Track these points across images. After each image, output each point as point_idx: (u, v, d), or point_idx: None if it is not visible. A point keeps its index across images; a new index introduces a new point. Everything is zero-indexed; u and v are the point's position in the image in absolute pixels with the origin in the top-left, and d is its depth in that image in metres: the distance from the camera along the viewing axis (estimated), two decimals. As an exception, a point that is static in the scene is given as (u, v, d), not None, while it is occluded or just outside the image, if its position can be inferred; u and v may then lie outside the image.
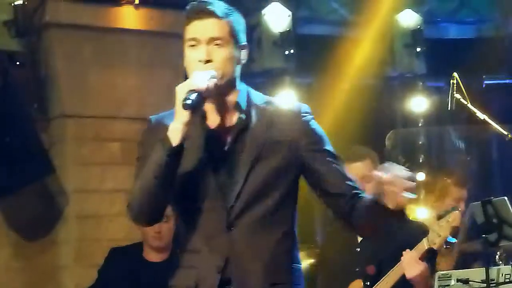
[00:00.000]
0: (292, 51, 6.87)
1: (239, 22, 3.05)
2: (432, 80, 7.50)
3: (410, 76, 7.45)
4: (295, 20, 6.99)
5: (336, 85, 7.19)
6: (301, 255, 5.07)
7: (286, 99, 6.24)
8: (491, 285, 4.42)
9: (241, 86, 3.07)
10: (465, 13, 7.98)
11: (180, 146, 2.88)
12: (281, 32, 6.84)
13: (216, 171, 2.98)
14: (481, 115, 4.87)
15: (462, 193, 5.63)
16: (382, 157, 6.87)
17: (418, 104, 7.48)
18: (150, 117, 3.13)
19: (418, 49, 7.33)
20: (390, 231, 3.64)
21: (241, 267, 2.95)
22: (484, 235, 4.74)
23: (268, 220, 2.98)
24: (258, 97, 3.11)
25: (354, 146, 5.14)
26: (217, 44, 2.96)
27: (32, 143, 6.05)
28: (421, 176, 7.16)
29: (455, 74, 4.87)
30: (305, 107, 3.11)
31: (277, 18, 6.86)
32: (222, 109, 3.02)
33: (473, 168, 7.67)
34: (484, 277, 4.44)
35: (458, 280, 4.54)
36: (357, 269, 4.56)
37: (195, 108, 2.87)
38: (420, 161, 7.54)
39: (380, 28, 7.31)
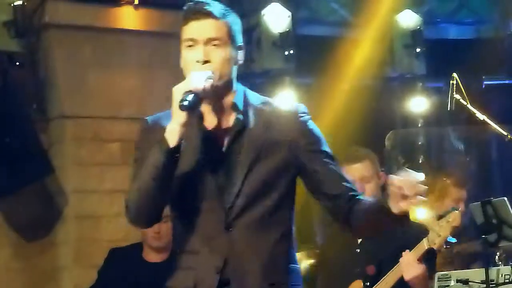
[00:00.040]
0: (291, 51, 6.86)
1: (236, 22, 3.05)
2: (432, 80, 7.49)
3: (409, 77, 7.44)
4: (295, 21, 6.98)
5: (336, 86, 7.19)
6: (301, 255, 5.09)
7: (283, 99, 6.24)
8: (491, 285, 4.42)
9: (237, 86, 3.06)
10: (464, 14, 7.97)
11: (178, 148, 2.87)
12: (280, 33, 6.83)
13: (214, 172, 2.98)
14: (480, 116, 4.86)
15: (462, 193, 5.63)
16: (382, 157, 6.88)
17: (418, 104, 7.47)
18: (146, 118, 3.11)
19: (418, 50, 7.32)
20: (390, 231, 3.64)
21: (240, 267, 2.94)
22: (483, 236, 4.74)
23: (266, 221, 2.97)
24: (254, 97, 3.10)
25: (353, 147, 5.14)
26: (214, 45, 2.96)
27: (31, 144, 6.05)
28: (420, 176, 7.15)
29: (454, 74, 4.87)
30: (302, 107, 3.11)
31: (276, 19, 6.85)
32: (219, 110, 3.02)
33: (473, 168, 7.67)
34: (483, 278, 4.44)
35: (457, 281, 4.54)
36: (357, 270, 4.56)
37: (192, 109, 2.86)
38: (420, 161, 7.53)
39: (379, 28, 7.31)
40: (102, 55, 6.47)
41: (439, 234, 4.25)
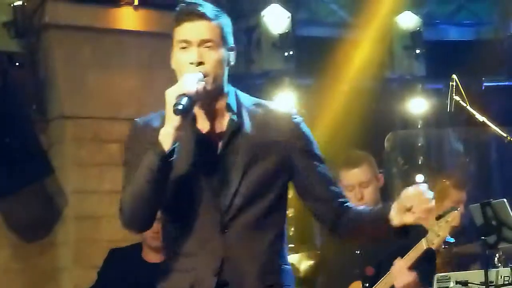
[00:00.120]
0: (291, 52, 6.87)
1: (227, 23, 3.04)
2: (431, 82, 7.50)
3: (409, 78, 7.45)
4: (295, 22, 6.99)
5: (336, 87, 7.19)
6: (302, 256, 5.09)
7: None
8: (490, 287, 4.42)
9: (229, 88, 3.05)
10: (464, 15, 7.98)
11: (172, 151, 2.86)
12: (280, 34, 6.84)
13: (209, 175, 2.96)
14: (480, 117, 4.86)
15: (461, 195, 5.62)
16: (381, 159, 6.89)
17: (417, 106, 7.48)
18: (136, 119, 3.10)
19: (418, 51, 7.34)
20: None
21: (237, 269, 2.94)
22: (483, 237, 4.74)
23: (262, 222, 2.97)
24: (246, 98, 3.09)
25: (351, 151, 5.12)
26: (208, 47, 2.95)
27: (31, 144, 6.05)
28: (420, 178, 7.16)
29: (454, 76, 4.86)
30: (293, 110, 3.12)
31: (276, 20, 6.86)
32: (212, 112, 3.00)
33: (472, 170, 7.68)
34: (483, 279, 4.44)
35: (457, 282, 4.54)
36: (356, 271, 4.56)
37: (187, 113, 2.84)
38: (419, 163, 7.54)
39: (379, 30, 7.32)
40: (102, 56, 6.47)
41: (438, 234, 4.23)
